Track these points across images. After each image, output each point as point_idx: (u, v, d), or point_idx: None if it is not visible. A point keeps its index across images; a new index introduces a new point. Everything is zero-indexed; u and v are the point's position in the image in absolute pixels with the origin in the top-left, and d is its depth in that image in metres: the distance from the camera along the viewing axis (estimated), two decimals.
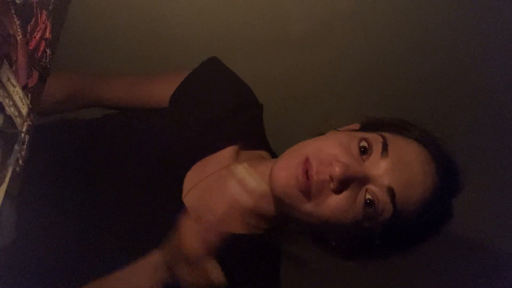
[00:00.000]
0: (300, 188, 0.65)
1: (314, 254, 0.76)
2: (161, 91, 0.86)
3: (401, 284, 0.98)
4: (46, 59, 0.57)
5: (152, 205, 0.73)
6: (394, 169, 0.66)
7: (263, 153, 0.83)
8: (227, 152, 0.78)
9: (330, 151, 0.66)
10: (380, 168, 0.66)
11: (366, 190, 0.65)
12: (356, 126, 0.76)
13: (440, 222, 0.73)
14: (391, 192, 0.65)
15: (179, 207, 0.72)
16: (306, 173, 0.65)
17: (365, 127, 0.75)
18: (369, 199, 0.65)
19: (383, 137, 0.68)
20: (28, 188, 0.54)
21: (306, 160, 0.65)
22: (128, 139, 0.79)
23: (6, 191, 0.47)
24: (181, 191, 0.74)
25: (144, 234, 0.70)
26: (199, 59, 0.87)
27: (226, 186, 0.73)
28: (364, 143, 0.67)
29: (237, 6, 0.99)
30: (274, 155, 0.84)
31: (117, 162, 0.76)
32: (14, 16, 0.48)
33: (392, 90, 1.04)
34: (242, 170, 0.73)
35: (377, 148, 0.67)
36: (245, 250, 0.72)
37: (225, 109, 0.82)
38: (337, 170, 0.63)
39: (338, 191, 0.65)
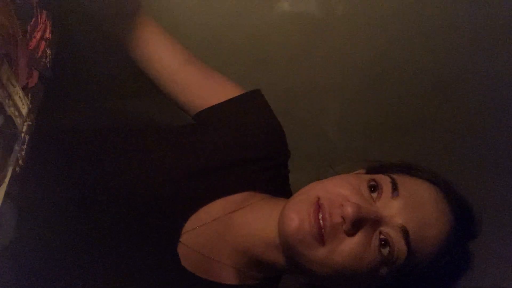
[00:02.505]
0: (313, 233, 0.62)
1: None
2: (200, 98, 0.79)
3: None
4: (46, 59, 0.57)
5: (144, 241, 0.68)
6: (407, 208, 0.64)
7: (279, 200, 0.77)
8: (239, 197, 0.73)
9: (341, 192, 0.64)
10: (392, 208, 0.64)
11: (380, 233, 0.63)
12: (361, 171, 0.74)
13: (459, 269, 0.70)
14: (404, 231, 0.63)
15: (173, 248, 0.68)
16: (318, 216, 0.62)
17: (370, 171, 0.73)
18: (383, 239, 0.63)
19: (392, 178, 0.66)
20: (28, 188, 0.54)
21: (317, 201, 0.63)
22: (136, 158, 0.73)
23: (6, 191, 0.47)
24: (180, 231, 0.69)
25: (130, 266, 0.66)
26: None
27: (226, 234, 0.70)
28: (373, 184, 0.66)
29: (237, 8, 0.99)
30: None
31: (119, 177, 0.70)
32: (14, 16, 0.48)
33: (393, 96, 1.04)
34: None
35: (387, 188, 0.65)
36: None
37: (253, 151, 0.77)
38: (349, 210, 0.61)
39: (351, 233, 0.62)
